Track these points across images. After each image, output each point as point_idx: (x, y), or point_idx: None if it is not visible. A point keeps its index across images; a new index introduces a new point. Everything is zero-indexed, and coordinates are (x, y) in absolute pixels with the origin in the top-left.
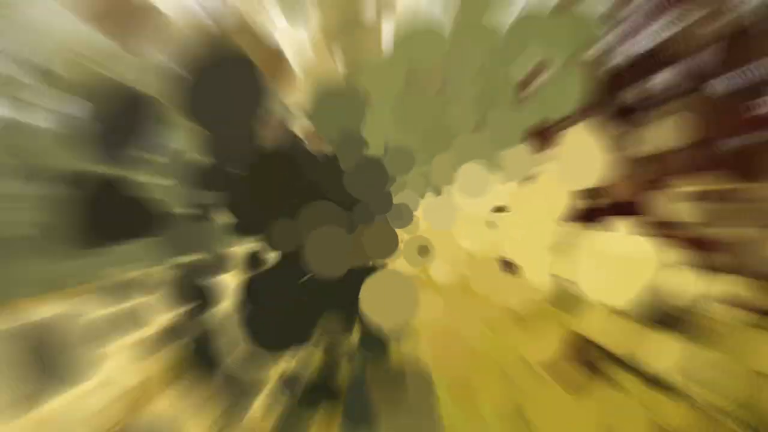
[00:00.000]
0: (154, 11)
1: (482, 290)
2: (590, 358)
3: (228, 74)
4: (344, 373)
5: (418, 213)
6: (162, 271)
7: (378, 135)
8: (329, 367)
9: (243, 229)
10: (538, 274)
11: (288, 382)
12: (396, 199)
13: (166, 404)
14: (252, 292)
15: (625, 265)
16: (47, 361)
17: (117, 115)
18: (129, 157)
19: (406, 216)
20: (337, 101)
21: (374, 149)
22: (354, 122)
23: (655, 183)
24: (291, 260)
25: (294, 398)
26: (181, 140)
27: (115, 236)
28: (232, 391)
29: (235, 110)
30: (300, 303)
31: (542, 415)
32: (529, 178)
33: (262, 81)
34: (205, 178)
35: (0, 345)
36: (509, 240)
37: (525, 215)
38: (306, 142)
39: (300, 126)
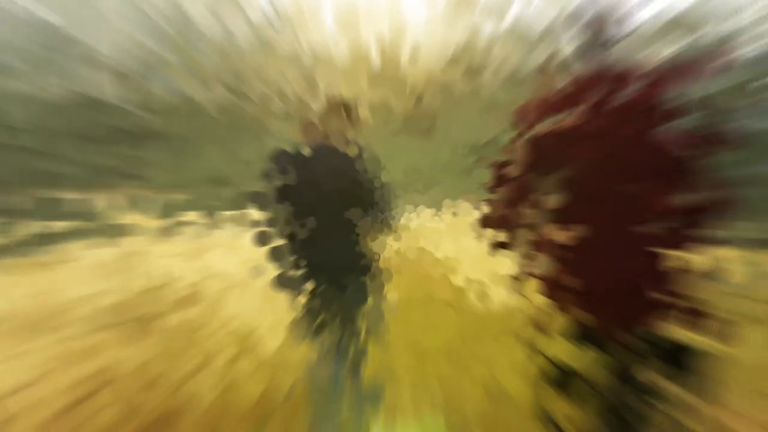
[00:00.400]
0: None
1: (420, 256)
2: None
3: (329, 146)
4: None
5: (403, 218)
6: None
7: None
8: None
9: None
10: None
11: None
12: (395, 211)
13: None
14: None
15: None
16: None
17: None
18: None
19: (396, 219)
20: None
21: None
22: (376, 170)
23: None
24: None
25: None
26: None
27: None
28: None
29: (335, 161)
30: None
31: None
32: (457, 213)
33: (344, 147)
34: (307, 190)
35: None
36: (435, 238)
37: (449, 229)
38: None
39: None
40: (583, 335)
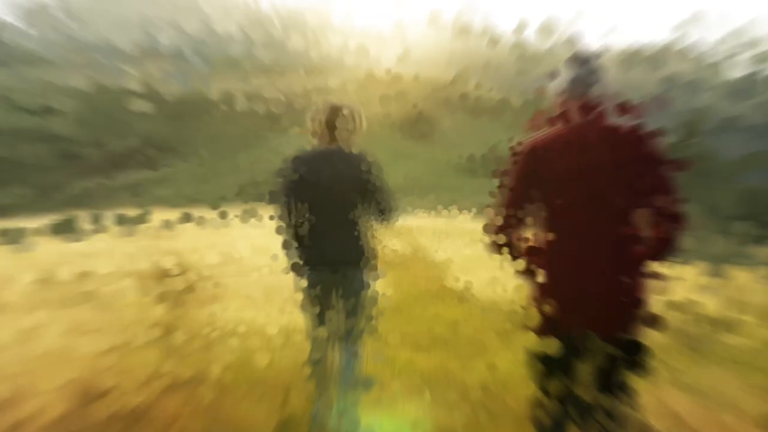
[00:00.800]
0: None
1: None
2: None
3: (337, 150)
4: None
5: (402, 219)
6: None
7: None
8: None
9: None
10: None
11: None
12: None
13: None
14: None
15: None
16: None
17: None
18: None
19: (395, 219)
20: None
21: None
22: (379, 173)
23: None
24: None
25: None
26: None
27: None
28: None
29: (341, 162)
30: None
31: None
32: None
33: (349, 150)
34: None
35: None
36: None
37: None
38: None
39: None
40: (557, 333)
